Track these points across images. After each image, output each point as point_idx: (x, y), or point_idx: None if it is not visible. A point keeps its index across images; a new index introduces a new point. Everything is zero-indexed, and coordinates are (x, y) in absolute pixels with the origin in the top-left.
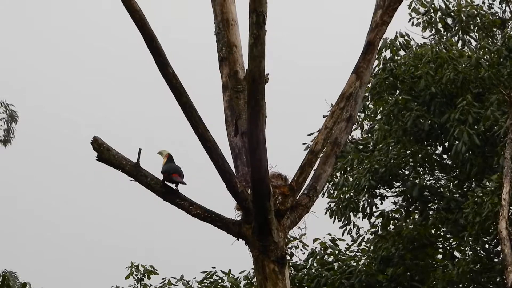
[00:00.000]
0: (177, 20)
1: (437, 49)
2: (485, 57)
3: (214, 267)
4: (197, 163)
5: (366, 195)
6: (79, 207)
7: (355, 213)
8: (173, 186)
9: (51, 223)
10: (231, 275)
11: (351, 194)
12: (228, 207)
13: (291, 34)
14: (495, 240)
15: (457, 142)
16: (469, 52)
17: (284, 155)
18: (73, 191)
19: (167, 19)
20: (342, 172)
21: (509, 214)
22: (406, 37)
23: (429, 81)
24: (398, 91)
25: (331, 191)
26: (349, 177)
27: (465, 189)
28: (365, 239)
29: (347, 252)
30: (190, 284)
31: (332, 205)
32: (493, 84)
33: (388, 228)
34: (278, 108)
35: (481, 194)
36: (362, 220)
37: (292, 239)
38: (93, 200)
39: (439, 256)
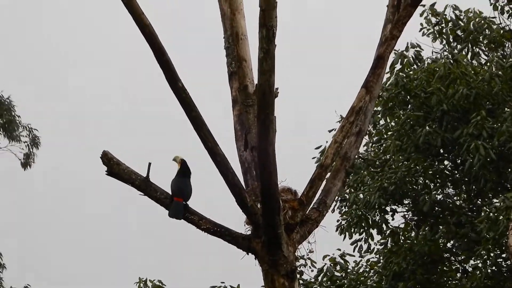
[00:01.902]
0: (187, 32)
1: (450, 65)
2: (498, 72)
3: (223, 282)
4: (207, 177)
5: (377, 212)
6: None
7: (367, 230)
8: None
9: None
10: None
11: (362, 211)
12: (238, 221)
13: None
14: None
15: (470, 157)
16: (480, 66)
17: (294, 169)
18: (88, 206)
19: (174, 33)
20: (352, 189)
21: None
22: (417, 48)
23: (441, 97)
24: (410, 106)
25: (342, 208)
26: (360, 194)
27: (477, 205)
28: (374, 253)
29: (356, 269)
30: None
31: (343, 222)
32: (505, 99)
33: (400, 243)
34: (288, 122)
35: (495, 210)
36: (377, 234)
37: (300, 257)
38: (104, 211)
39: (449, 269)
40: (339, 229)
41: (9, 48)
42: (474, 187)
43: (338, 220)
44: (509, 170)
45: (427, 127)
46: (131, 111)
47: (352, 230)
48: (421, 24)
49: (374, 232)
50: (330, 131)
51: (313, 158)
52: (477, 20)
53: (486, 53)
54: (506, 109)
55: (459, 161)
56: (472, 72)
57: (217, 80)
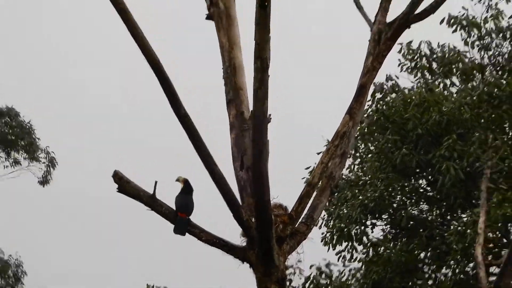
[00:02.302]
0: (187, 32)
1: (425, 94)
2: (467, 100)
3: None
4: (207, 193)
5: (358, 226)
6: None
7: (349, 242)
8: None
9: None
10: None
11: (344, 225)
12: (234, 234)
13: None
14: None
15: (442, 176)
16: (452, 95)
17: (284, 187)
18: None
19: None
20: (336, 206)
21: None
22: (395, 80)
23: (416, 122)
24: (388, 131)
25: (328, 222)
26: (343, 209)
27: (448, 219)
28: (357, 261)
29: (340, 277)
30: None
31: (328, 234)
32: (474, 125)
33: (379, 253)
34: (280, 144)
35: (463, 225)
36: (358, 245)
37: (289, 266)
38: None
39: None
40: (324, 241)
41: (9, 48)
42: (445, 203)
43: (323, 233)
44: (476, 188)
45: (403, 150)
46: (131, 112)
47: (336, 242)
48: (399, 60)
49: (356, 244)
50: (318, 153)
51: (303, 178)
52: (451, 54)
53: (457, 83)
54: (474, 133)
55: (432, 180)
56: (444, 100)
57: (217, 80)
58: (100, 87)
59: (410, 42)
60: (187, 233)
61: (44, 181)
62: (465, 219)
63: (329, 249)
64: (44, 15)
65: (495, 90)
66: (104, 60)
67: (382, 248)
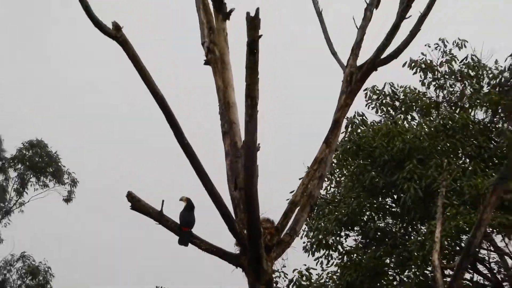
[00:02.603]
0: (187, 33)
1: (390, 126)
2: (426, 131)
3: None
4: (206, 209)
5: (333, 237)
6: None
7: (326, 250)
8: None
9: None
10: None
11: (321, 236)
12: (229, 243)
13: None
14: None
15: (404, 195)
16: (413, 127)
17: (271, 204)
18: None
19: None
20: (316, 219)
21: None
22: (363, 116)
23: (383, 150)
24: (359, 157)
25: (308, 233)
26: (321, 223)
27: (410, 231)
28: (334, 265)
29: (318, 279)
30: None
31: (308, 244)
32: (432, 152)
33: (351, 260)
34: (267, 169)
35: (422, 235)
36: (334, 253)
37: (276, 270)
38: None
39: (388, 279)
40: (305, 249)
41: (10, 48)
42: (407, 217)
43: (304, 243)
44: (432, 204)
45: (372, 173)
46: (131, 112)
47: (315, 250)
48: (365, 101)
49: (332, 251)
50: (300, 178)
51: (287, 199)
52: (410, 93)
53: (417, 118)
54: (432, 159)
55: (396, 198)
56: (406, 131)
57: (213, 137)
58: (100, 87)
59: (374, 85)
60: (191, 244)
61: (68, 199)
62: (424, 230)
63: (309, 256)
64: (44, 15)
65: (450, 122)
66: (104, 60)
67: (354, 255)
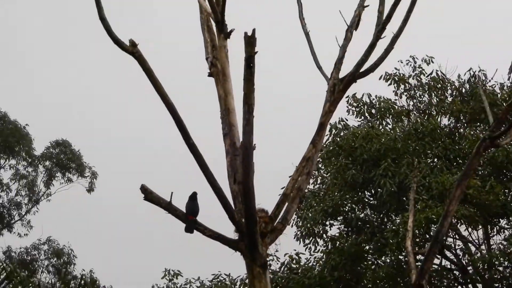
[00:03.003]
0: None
1: (368, 130)
2: (399, 135)
3: (220, 271)
4: (210, 200)
5: (320, 226)
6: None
7: (313, 237)
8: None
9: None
10: (230, 277)
11: (309, 225)
12: (229, 229)
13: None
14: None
15: (380, 189)
16: (387, 132)
17: (266, 196)
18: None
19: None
20: (304, 210)
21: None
22: (345, 122)
23: (362, 150)
24: (341, 157)
25: (297, 223)
26: (309, 213)
27: (385, 221)
28: (319, 252)
29: (307, 263)
30: (203, 282)
31: (298, 232)
32: (404, 152)
33: (336, 246)
34: (262, 165)
35: (396, 225)
36: (320, 240)
37: (269, 254)
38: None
39: (367, 263)
40: (295, 237)
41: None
42: (383, 209)
43: (294, 232)
44: (405, 198)
45: (352, 170)
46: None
47: (304, 238)
48: (347, 107)
49: (318, 239)
50: (289, 176)
51: (278, 195)
52: (384, 102)
53: (390, 123)
54: (404, 158)
55: (373, 192)
56: (383, 134)
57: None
58: (100, 87)
59: (355, 93)
60: (194, 230)
61: (90, 189)
62: (398, 220)
63: (300, 243)
64: (43, 15)
65: (420, 127)
66: (104, 60)
67: (338, 242)
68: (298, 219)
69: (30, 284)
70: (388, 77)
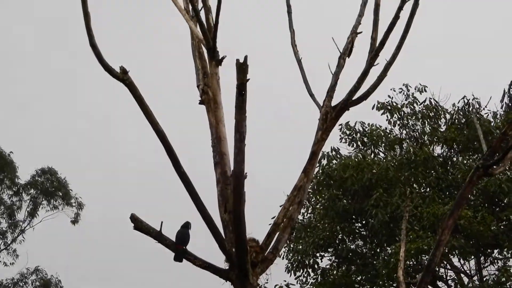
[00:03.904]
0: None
1: (360, 160)
2: (391, 164)
3: None
4: (200, 229)
5: (311, 258)
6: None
7: (304, 269)
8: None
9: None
10: None
11: (300, 257)
12: (219, 259)
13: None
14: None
15: (372, 220)
16: (379, 161)
17: (257, 225)
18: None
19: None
20: (296, 242)
21: (404, 266)
22: (337, 150)
23: (353, 180)
24: (331, 188)
25: (287, 255)
26: (299, 246)
27: (377, 251)
28: (309, 284)
29: None
30: None
31: (289, 264)
32: (396, 182)
33: (326, 277)
34: (253, 195)
35: (388, 255)
36: (311, 272)
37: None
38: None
39: None
40: (286, 269)
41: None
42: (375, 240)
43: (285, 264)
44: (396, 228)
45: (344, 201)
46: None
47: (295, 270)
48: (340, 135)
49: (309, 270)
50: (280, 206)
51: (269, 224)
52: (377, 131)
53: (382, 152)
54: (396, 188)
55: (364, 222)
56: (374, 164)
57: (207, 166)
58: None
59: (348, 121)
60: (184, 260)
61: (75, 220)
62: (389, 251)
63: (290, 275)
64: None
65: (413, 157)
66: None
67: (329, 273)
68: (289, 251)
69: None
70: (380, 106)
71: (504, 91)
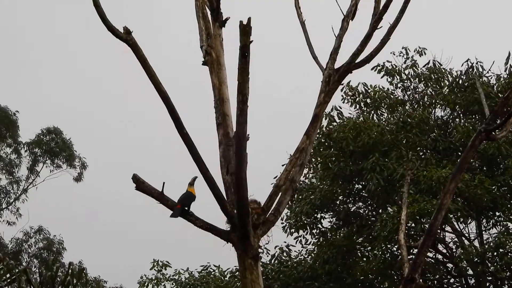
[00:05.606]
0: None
1: (357, 121)
2: (389, 127)
3: (209, 262)
4: (202, 192)
5: (308, 218)
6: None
7: (304, 230)
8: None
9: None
10: (220, 268)
11: (298, 218)
12: (221, 220)
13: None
14: (396, 246)
15: (369, 183)
16: (376, 124)
17: (259, 187)
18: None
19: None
20: (295, 203)
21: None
22: (339, 110)
23: (348, 142)
24: (330, 148)
25: (290, 216)
26: (300, 206)
27: (374, 213)
28: (311, 244)
29: (297, 256)
30: (192, 273)
31: (287, 224)
32: (393, 144)
33: (327, 239)
34: (254, 155)
35: (385, 218)
36: (310, 233)
37: (261, 246)
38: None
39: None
40: (284, 229)
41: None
42: (373, 202)
43: (282, 223)
44: (393, 192)
45: (341, 163)
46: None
47: (294, 230)
48: (342, 96)
49: (308, 230)
50: (283, 165)
51: (271, 183)
52: (380, 92)
53: (385, 113)
54: (393, 151)
55: (363, 184)
56: (373, 127)
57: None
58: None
59: (349, 81)
60: (186, 221)
61: (78, 179)
62: (384, 215)
63: (287, 236)
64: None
65: (408, 119)
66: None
67: (329, 235)
68: (291, 213)
69: (18, 272)
70: (380, 68)
71: (509, 53)
